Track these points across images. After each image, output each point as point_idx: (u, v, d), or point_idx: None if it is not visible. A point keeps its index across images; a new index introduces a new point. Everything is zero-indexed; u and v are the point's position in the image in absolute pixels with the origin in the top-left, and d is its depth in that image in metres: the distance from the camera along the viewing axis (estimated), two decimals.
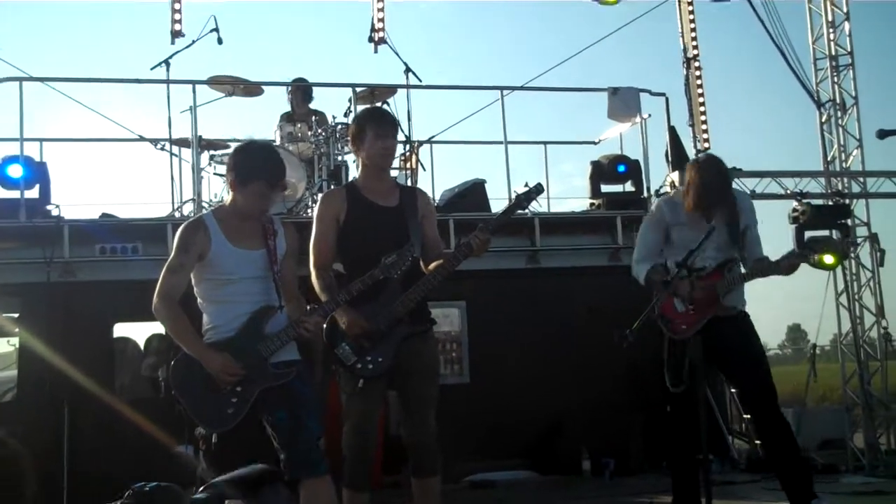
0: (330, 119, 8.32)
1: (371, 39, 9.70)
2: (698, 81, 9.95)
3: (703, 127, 9.88)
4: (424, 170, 8.79)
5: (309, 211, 7.58)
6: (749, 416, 5.37)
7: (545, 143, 9.82)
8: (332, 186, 7.12)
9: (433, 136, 9.11)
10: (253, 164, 3.78)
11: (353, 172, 7.47)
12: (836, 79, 9.11)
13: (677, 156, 8.71)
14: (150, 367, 7.87)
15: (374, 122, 4.24)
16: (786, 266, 4.55)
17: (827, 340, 13.84)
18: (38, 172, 7.48)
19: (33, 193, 7.41)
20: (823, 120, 9.13)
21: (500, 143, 8.51)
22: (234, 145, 6.72)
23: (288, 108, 8.82)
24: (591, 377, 7.73)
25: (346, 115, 8.17)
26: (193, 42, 8.46)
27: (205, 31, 8.43)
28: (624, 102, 8.87)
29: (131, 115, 9.34)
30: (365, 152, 4.22)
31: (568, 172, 17.24)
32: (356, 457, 4.07)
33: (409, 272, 3.94)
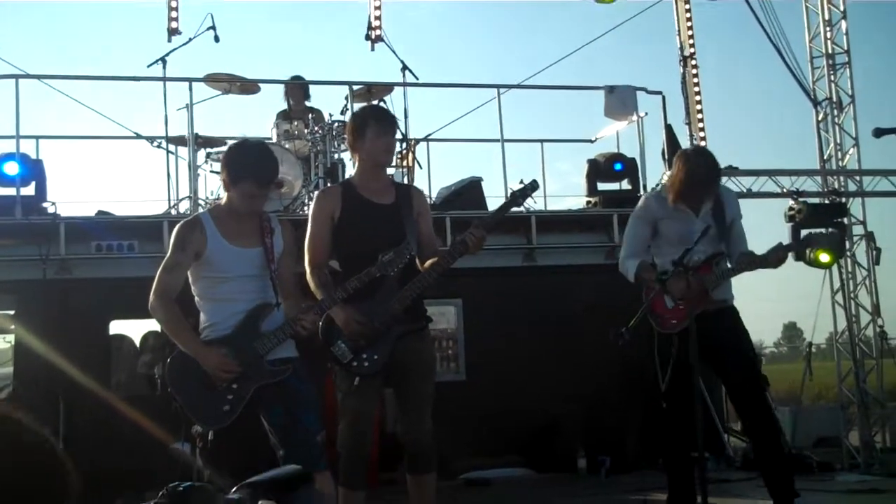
0: (327, 117, 8.33)
1: (368, 37, 9.71)
2: (695, 80, 9.94)
3: (700, 125, 9.86)
4: (421, 168, 8.82)
5: (305, 209, 7.57)
6: (736, 411, 5.31)
7: (542, 141, 9.80)
8: (329, 184, 7.13)
9: (430, 134, 9.13)
10: (243, 162, 3.78)
11: (350, 170, 7.47)
12: (832, 77, 9.11)
13: (673, 154, 8.70)
14: (146, 365, 7.87)
15: (375, 120, 4.23)
16: (774, 259, 4.54)
17: (823, 339, 13.83)
18: (34, 170, 7.48)
19: (29, 191, 7.40)
20: (820, 118, 9.13)
21: (497, 141, 8.53)
22: (230, 143, 6.72)
23: (284, 106, 8.81)
24: (587, 375, 7.72)
25: (342, 112, 8.19)
26: (190, 40, 8.48)
27: (201, 28, 8.43)
28: (620, 101, 8.88)
29: (128, 113, 9.38)
30: (365, 149, 4.20)
31: (564, 170, 17.15)
32: (352, 455, 4.06)
33: (406, 270, 3.95)
